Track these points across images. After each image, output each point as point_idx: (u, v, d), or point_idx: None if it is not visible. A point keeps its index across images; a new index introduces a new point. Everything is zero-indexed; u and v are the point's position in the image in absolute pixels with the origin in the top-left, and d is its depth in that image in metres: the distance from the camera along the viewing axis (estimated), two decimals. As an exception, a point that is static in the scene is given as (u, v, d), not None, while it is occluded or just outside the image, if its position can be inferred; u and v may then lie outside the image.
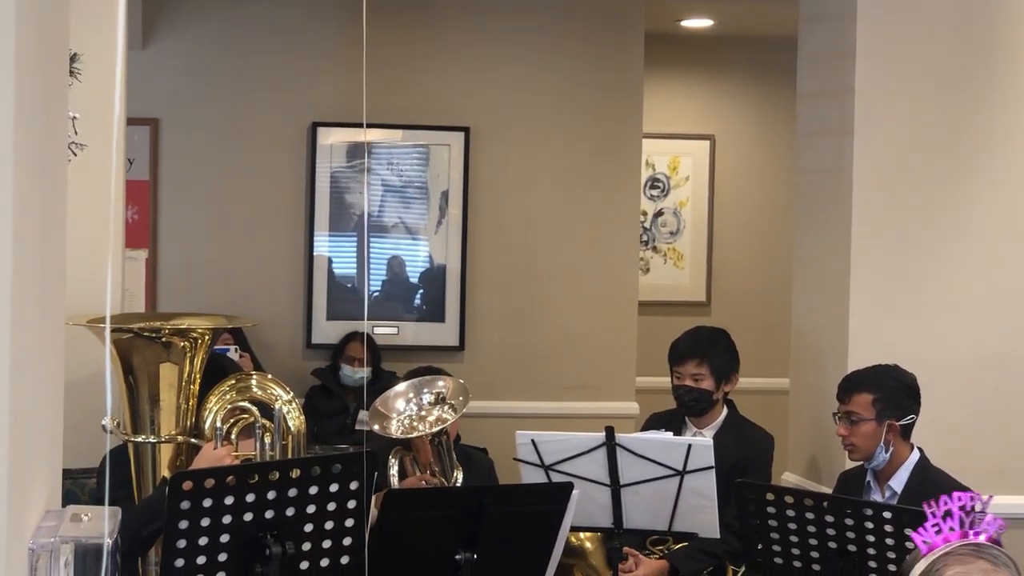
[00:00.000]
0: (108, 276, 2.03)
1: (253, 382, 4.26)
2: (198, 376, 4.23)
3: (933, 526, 2.78)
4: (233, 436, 4.20)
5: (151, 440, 4.19)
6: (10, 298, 1.90)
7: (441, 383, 4.80)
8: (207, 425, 4.17)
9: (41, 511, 2.25)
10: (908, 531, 3.88)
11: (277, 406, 4.15)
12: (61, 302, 2.55)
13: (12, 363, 1.91)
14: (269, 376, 4.36)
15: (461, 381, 4.82)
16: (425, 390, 4.77)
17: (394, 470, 4.72)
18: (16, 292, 1.92)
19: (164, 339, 4.17)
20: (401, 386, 4.80)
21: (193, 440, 4.19)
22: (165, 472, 4.18)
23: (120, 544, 2.26)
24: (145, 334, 4.16)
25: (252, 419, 4.16)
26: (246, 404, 4.18)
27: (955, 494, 2.89)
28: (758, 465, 5.18)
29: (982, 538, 2.74)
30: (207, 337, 4.24)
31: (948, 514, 2.77)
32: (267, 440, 4.12)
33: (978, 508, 2.78)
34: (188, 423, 4.22)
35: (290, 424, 4.15)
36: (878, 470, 4.72)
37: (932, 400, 4.79)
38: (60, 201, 2.50)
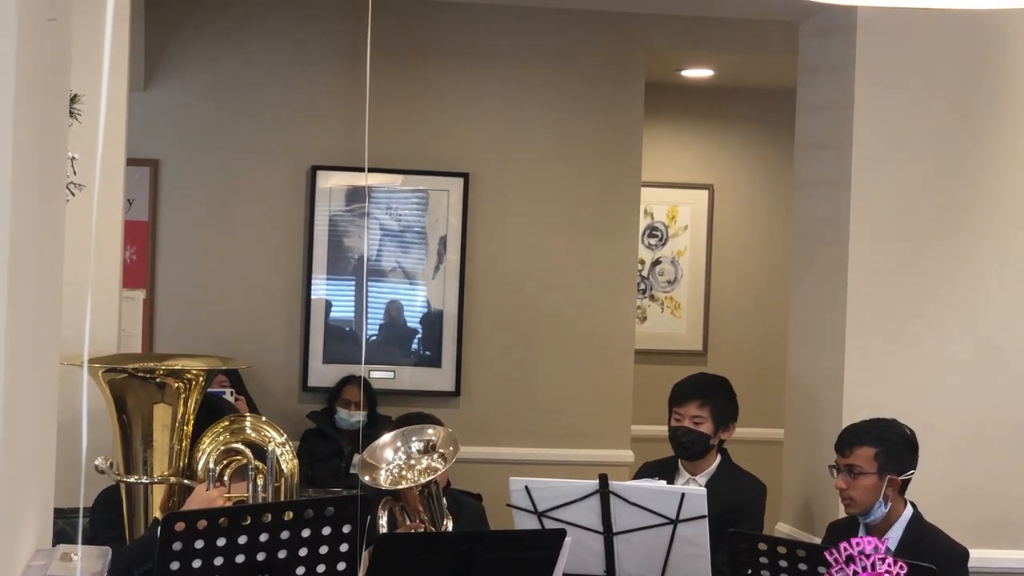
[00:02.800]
0: (87, 311, 2.04)
1: (247, 423, 4.25)
2: (192, 417, 4.23)
3: (838, 571, 2.81)
4: (226, 478, 4.19)
5: (143, 481, 4.18)
6: (4, 337, 1.91)
7: (431, 431, 4.74)
8: (200, 466, 4.17)
9: (31, 550, 2.25)
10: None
11: (270, 448, 4.14)
12: (55, 341, 2.55)
13: (5, 402, 1.92)
14: (263, 418, 4.36)
15: (450, 430, 4.78)
16: (414, 439, 4.72)
17: (383, 520, 4.68)
18: (10, 330, 1.93)
19: (158, 380, 4.17)
20: (387, 436, 4.72)
21: (186, 481, 4.19)
22: (157, 513, 4.17)
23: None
24: (139, 374, 4.16)
25: (245, 461, 4.16)
26: (239, 445, 4.18)
27: (853, 540, 2.91)
28: (751, 513, 5.17)
29: None
30: (201, 378, 4.24)
31: (850, 559, 2.80)
32: (260, 482, 4.12)
33: (877, 550, 2.83)
34: (181, 464, 4.21)
35: (283, 466, 4.15)
36: (872, 525, 4.70)
37: (927, 452, 4.78)
38: (57, 240, 2.51)
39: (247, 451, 4.17)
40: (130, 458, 4.18)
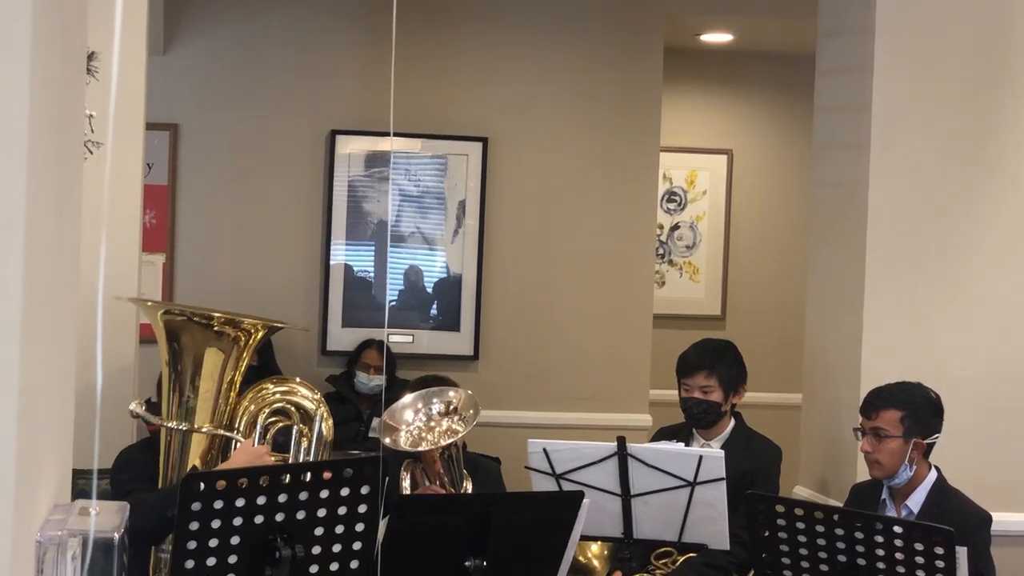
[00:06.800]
0: (102, 252, 2.06)
1: (296, 385, 4.30)
2: (240, 375, 4.25)
3: None
4: (268, 437, 4.22)
5: (183, 428, 4.20)
6: (21, 292, 1.91)
7: (451, 393, 4.76)
8: (245, 421, 4.20)
9: (50, 505, 2.26)
10: (919, 546, 3.89)
11: (319, 412, 4.18)
12: (73, 297, 2.56)
13: (21, 357, 1.92)
14: (297, 379, 4.38)
15: (470, 393, 4.79)
16: (435, 401, 4.74)
17: (406, 483, 4.71)
18: (27, 286, 1.93)
19: (216, 328, 4.18)
20: (408, 398, 4.75)
21: (227, 434, 4.20)
22: (197, 461, 4.21)
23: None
24: (196, 319, 4.18)
25: (288, 423, 4.20)
26: (289, 407, 4.22)
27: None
28: (765, 476, 5.16)
29: None
30: (256, 334, 4.25)
31: None
32: (303, 444, 4.16)
33: None
34: (223, 417, 4.23)
35: (324, 431, 4.18)
36: (896, 488, 4.70)
37: (948, 416, 4.75)
38: (74, 194, 2.51)
39: (296, 413, 4.20)
40: (175, 404, 4.20)
